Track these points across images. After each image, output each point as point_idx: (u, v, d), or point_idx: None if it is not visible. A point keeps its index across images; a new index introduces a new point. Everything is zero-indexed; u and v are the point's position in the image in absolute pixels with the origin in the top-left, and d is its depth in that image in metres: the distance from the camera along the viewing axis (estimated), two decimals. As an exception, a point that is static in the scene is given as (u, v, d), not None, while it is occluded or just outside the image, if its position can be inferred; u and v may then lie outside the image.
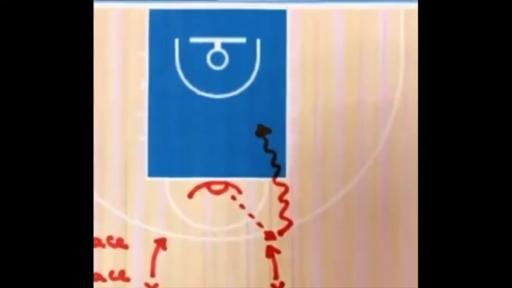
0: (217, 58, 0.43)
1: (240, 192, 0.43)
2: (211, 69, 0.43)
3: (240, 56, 0.43)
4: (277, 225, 0.43)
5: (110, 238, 0.42)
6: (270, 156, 0.43)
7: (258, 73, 0.43)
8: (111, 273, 0.42)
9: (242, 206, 0.43)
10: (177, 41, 0.43)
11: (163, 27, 0.43)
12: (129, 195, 0.43)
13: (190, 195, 0.43)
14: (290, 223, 0.43)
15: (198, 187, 0.43)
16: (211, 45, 0.43)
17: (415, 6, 0.43)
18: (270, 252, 0.42)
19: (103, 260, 0.42)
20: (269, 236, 0.43)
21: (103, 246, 0.42)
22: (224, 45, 0.43)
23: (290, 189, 0.43)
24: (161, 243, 0.42)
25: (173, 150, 0.43)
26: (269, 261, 0.42)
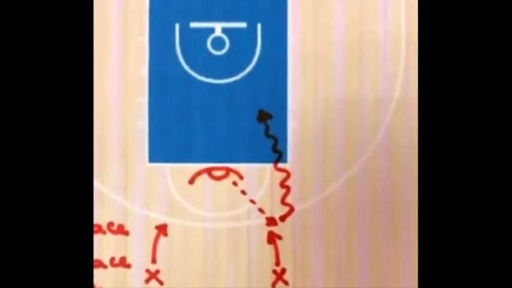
0: (218, 43, 0.43)
1: (241, 178, 0.43)
2: (211, 54, 0.43)
3: (241, 41, 0.43)
4: (278, 211, 0.42)
5: (110, 224, 0.42)
6: (271, 141, 0.43)
7: (259, 58, 0.43)
8: (112, 259, 0.42)
9: (243, 192, 0.43)
10: (177, 26, 0.43)
11: (164, 12, 0.43)
12: (129, 182, 0.42)
13: (191, 181, 0.43)
14: (291, 209, 0.42)
15: (198, 173, 0.43)
16: (211, 30, 0.43)
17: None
18: (272, 238, 0.42)
19: (104, 247, 0.42)
20: (270, 221, 0.42)
21: (104, 232, 0.42)
22: (224, 30, 0.43)
23: (291, 175, 0.42)
24: (162, 229, 0.42)
25: (174, 136, 0.43)
26: (271, 247, 0.42)
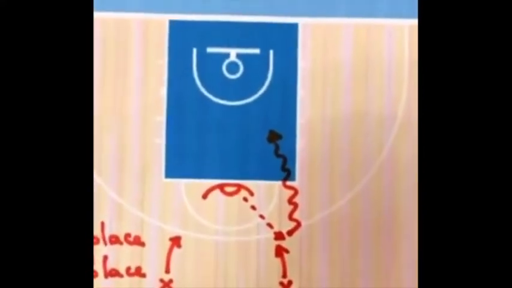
0: (233, 67, 0.46)
1: (251, 194, 0.45)
2: (226, 78, 0.46)
3: (254, 66, 0.46)
4: (286, 226, 0.45)
5: (127, 236, 0.45)
6: (280, 160, 0.45)
7: (271, 82, 0.45)
8: (128, 269, 0.44)
9: (253, 208, 0.45)
10: (194, 50, 0.46)
11: (182, 37, 0.46)
12: (146, 195, 0.45)
13: (205, 196, 0.45)
14: (298, 224, 0.45)
15: (211, 188, 0.45)
16: (227, 55, 0.46)
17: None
18: (279, 251, 0.45)
19: (120, 257, 0.45)
20: (278, 236, 0.45)
21: (121, 243, 0.45)
22: (239, 56, 0.46)
23: (299, 192, 0.45)
24: (176, 241, 0.45)
25: (189, 153, 0.45)
26: (278, 260, 0.45)
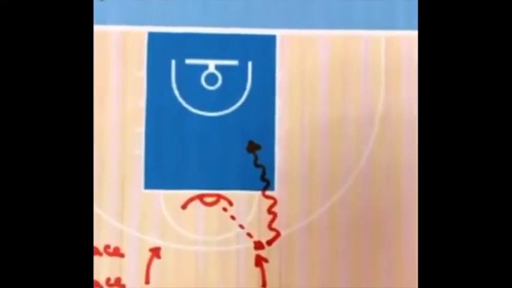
0: (211, 79, 0.46)
1: (231, 204, 0.45)
2: (205, 89, 0.46)
3: (233, 77, 0.46)
4: (265, 235, 0.45)
5: (107, 247, 0.45)
6: (259, 170, 0.45)
7: (249, 93, 0.46)
8: (108, 280, 0.44)
9: (233, 217, 0.45)
10: (173, 62, 0.46)
11: (161, 49, 0.46)
12: (126, 207, 0.45)
13: (184, 206, 0.45)
14: (278, 234, 0.45)
15: (191, 199, 0.45)
16: (205, 67, 0.46)
17: (395, 33, 0.46)
18: (259, 261, 0.45)
19: (100, 268, 0.44)
20: (258, 245, 0.45)
21: (100, 254, 0.44)
22: (217, 67, 0.46)
23: (278, 202, 0.45)
24: (156, 252, 0.45)
25: (168, 164, 0.45)
26: (258, 269, 0.45)
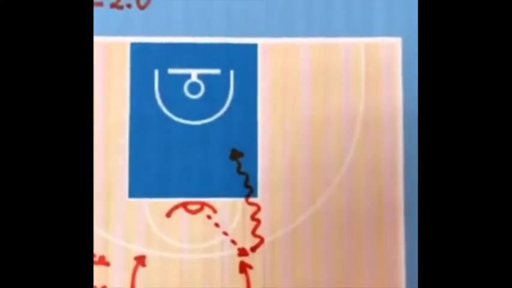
0: (194, 88, 0.46)
1: (215, 211, 0.46)
2: (188, 98, 0.46)
3: (215, 86, 0.46)
4: (249, 242, 0.45)
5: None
6: (243, 178, 0.46)
7: (232, 101, 0.46)
8: (94, 289, 0.45)
9: (217, 225, 0.46)
10: (156, 71, 0.46)
11: (144, 59, 0.46)
12: (111, 216, 0.45)
13: (168, 214, 0.46)
14: (262, 240, 0.45)
15: (175, 207, 0.46)
16: (188, 76, 0.47)
17: (375, 40, 0.46)
18: (243, 267, 0.45)
19: (86, 277, 0.45)
20: (242, 252, 0.45)
21: (86, 263, 0.45)
22: (200, 76, 0.47)
23: (262, 208, 0.46)
24: (141, 260, 0.45)
25: (152, 173, 0.46)
26: (242, 276, 0.45)
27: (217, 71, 0.47)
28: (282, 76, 0.47)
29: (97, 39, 0.46)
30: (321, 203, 0.46)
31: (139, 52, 0.46)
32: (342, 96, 0.46)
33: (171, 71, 0.47)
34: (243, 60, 0.47)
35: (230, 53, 0.47)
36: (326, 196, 0.46)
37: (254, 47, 0.47)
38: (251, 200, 0.46)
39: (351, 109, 0.46)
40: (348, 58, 0.47)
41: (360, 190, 0.46)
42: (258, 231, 0.45)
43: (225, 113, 0.46)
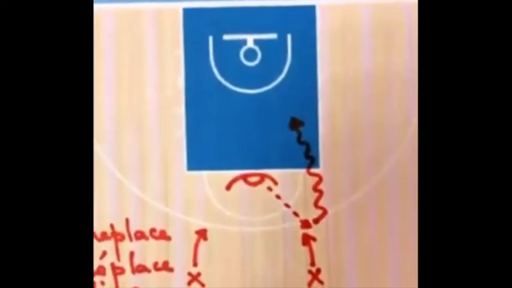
0: (250, 54, 0.45)
1: (275, 183, 0.44)
2: (244, 65, 0.45)
3: (272, 52, 0.45)
4: (312, 214, 0.44)
5: (153, 231, 0.44)
6: (303, 148, 0.44)
7: (290, 67, 0.44)
8: (155, 264, 0.44)
9: (278, 197, 0.44)
10: (210, 38, 0.45)
11: (197, 25, 0.45)
12: (169, 189, 0.44)
13: (228, 187, 0.44)
14: (325, 212, 0.44)
15: (235, 179, 0.44)
16: (244, 42, 0.45)
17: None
18: (306, 240, 0.44)
19: (147, 252, 0.44)
20: (305, 224, 0.44)
21: (146, 238, 0.44)
22: (256, 42, 0.45)
23: (324, 179, 0.44)
24: (202, 234, 0.44)
25: (210, 144, 0.45)
26: (305, 248, 0.44)
27: (274, 36, 0.45)
28: (342, 38, 0.44)
29: (148, 5, 0.44)
30: (387, 169, 0.44)
31: (192, 18, 0.45)
32: (404, 54, 0.44)
33: (226, 37, 0.45)
34: (301, 23, 0.44)
35: (287, 16, 0.44)
36: (392, 162, 0.44)
37: (312, 8, 0.44)
38: (312, 170, 0.44)
39: (413, 67, 0.44)
40: (410, 18, 0.44)
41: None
42: (321, 203, 0.44)
43: (283, 80, 0.44)
